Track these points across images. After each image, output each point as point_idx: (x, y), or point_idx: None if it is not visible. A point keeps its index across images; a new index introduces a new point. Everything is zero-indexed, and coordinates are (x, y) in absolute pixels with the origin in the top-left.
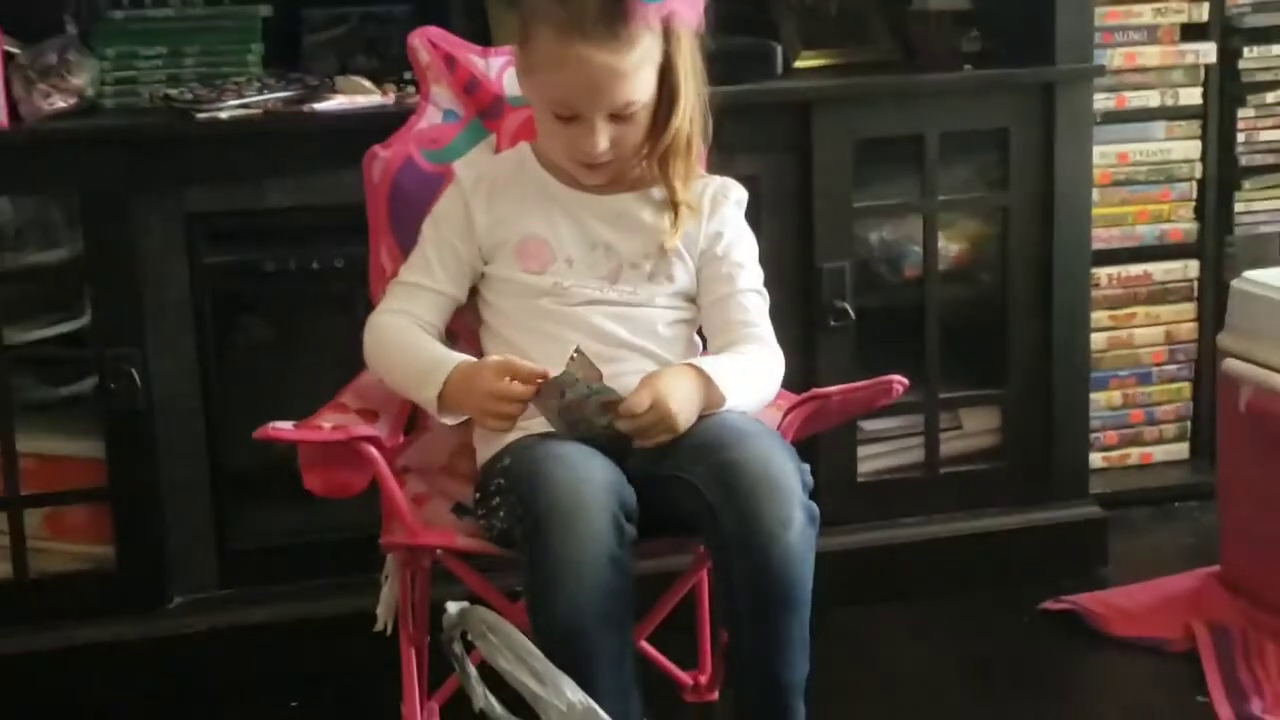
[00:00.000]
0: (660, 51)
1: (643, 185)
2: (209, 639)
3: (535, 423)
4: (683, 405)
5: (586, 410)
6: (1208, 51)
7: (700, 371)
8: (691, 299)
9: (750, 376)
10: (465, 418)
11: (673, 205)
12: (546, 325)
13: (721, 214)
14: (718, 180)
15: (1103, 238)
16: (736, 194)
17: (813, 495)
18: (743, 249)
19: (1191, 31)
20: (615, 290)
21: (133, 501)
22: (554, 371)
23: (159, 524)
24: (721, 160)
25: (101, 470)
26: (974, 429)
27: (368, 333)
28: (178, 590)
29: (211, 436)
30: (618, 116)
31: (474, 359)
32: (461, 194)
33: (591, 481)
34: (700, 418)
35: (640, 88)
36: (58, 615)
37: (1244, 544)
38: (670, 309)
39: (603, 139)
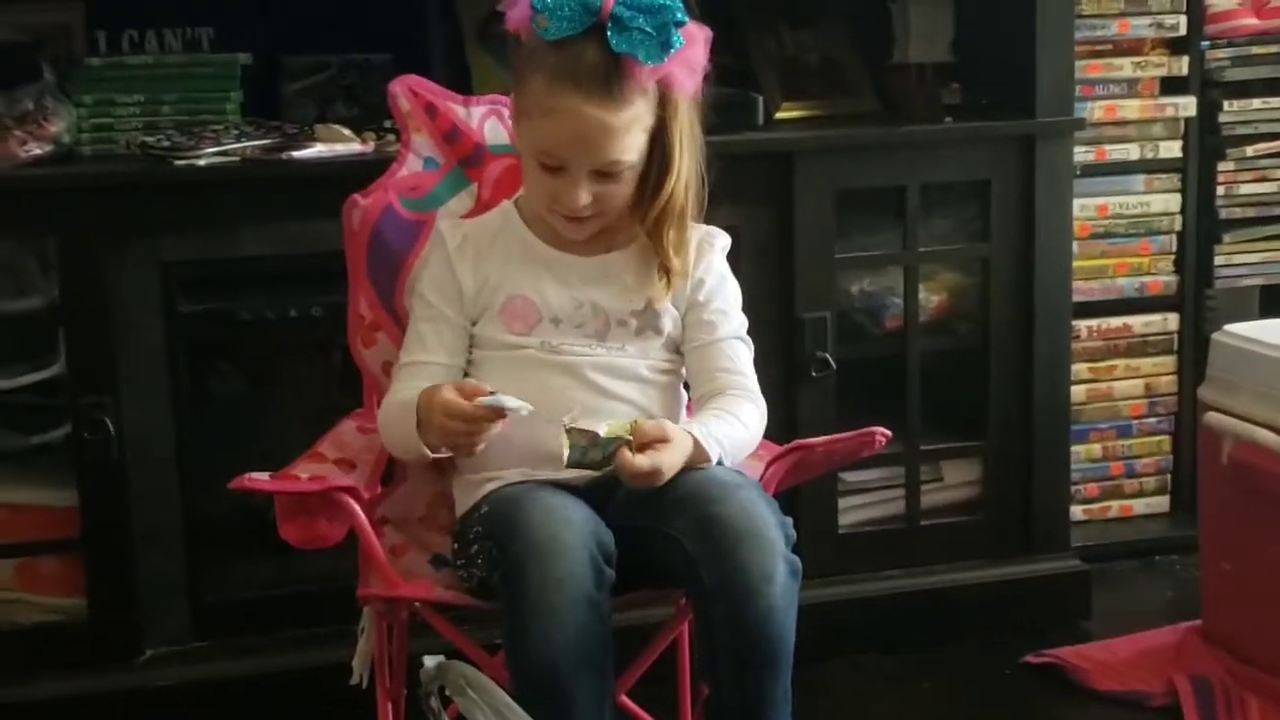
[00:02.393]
0: (653, 116)
1: (626, 244)
2: (182, 692)
3: (513, 472)
4: (671, 470)
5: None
6: (1188, 105)
7: (695, 441)
8: (678, 349)
9: (738, 439)
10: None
11: (663, 268)
12: (534, 374)
13: (706, 261)
14: (702, 229)
15: (1083, 290)
16: (721, 241)
17: (794, 548)
18: (725, 296)
19: (1171, 85)
20: (604, 347)
21: (105, 552)
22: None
23: (132, 575)
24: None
25: (74, 520)
26: (955, 481)
27: (379, 421)
28: (150, 643)
29: (186, 486)
30: (603, 174)
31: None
32: (447, 258)
33: (570, 524)
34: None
35: (628, 148)
36: (28, 668)
37: (1225, 597)
38: (658, 360)
39: (584, 194)
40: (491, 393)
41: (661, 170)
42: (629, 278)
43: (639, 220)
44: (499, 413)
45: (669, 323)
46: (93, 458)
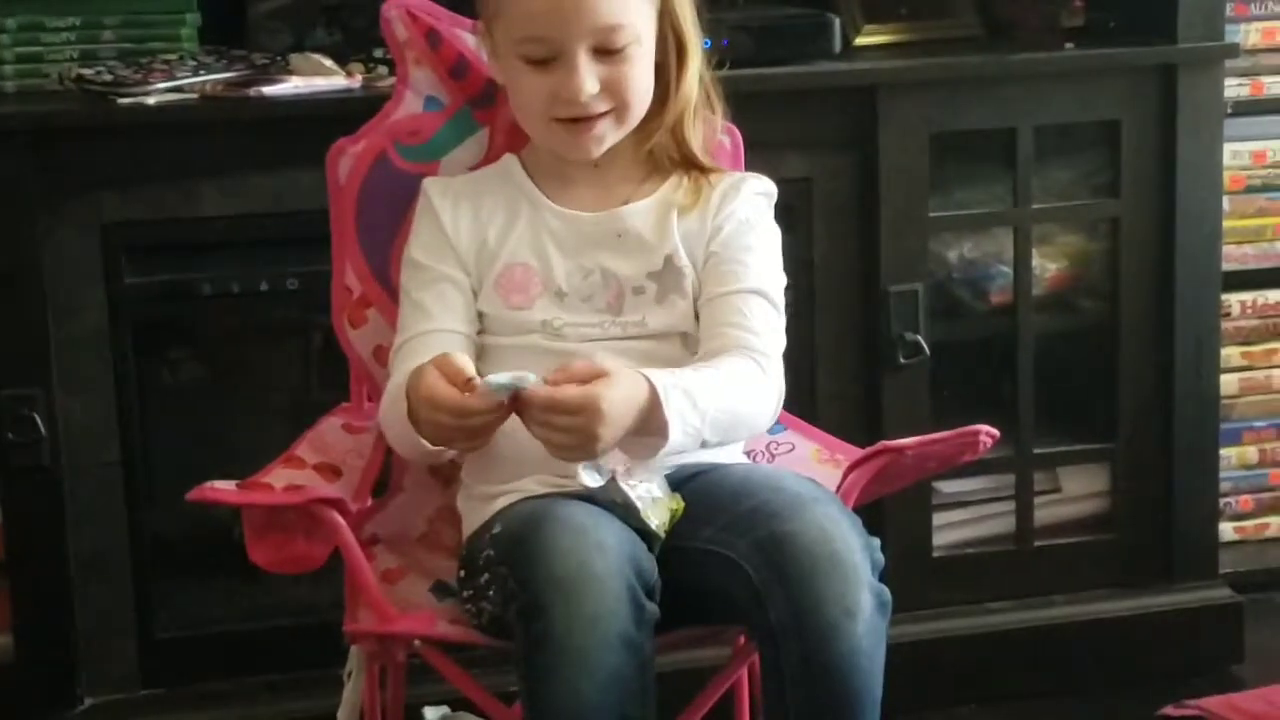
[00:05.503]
0: None
1: (641, 195)
2: None
3: (530, 482)
4: (613, 423)
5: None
6: None
7: (653, 391)
8: None
9: (719, 402)
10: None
11: (687, 167)
12: (543, 370)
13: (729, 208)
14: (735, 175)
15: (1235, 256)
16: (756, 185)
17: (881, 575)
18: (749, 242)
19: None
20: (619, 324)
21: (35, 579)
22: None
23: (67, 607)
24: (765, 159)
25: None
26: (1076, 493)
27: (379, 415)
28: (90, 689)
29: (134, 499)
30: (605, 51)
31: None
32: (436, 220)
33: (602, 548)
34: (740, 477)
35: (627, 9)
36: None
37: None
38: (693, 329)
39: (588, 79)
40: (483, 376)
41: (680, 55)
42: (645, 233)
43: (662, 111)
44: (502, 399)
45: (690, 283)
46: (19, 464)
